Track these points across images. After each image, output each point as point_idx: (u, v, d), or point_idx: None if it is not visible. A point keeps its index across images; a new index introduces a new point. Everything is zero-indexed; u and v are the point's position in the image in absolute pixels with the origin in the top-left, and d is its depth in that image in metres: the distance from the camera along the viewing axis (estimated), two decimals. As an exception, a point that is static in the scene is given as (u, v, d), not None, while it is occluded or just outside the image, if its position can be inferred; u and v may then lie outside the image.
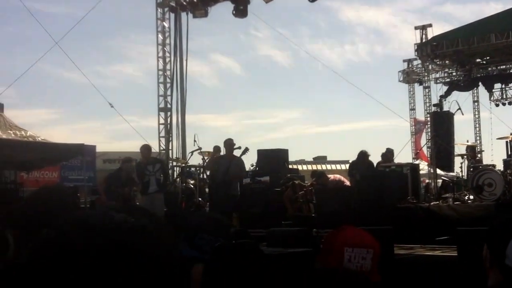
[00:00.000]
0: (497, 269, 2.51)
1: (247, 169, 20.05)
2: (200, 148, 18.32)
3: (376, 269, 3.89)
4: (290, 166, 19.18)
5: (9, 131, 19.12)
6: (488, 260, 2.59)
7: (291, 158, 20.32)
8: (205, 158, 18.54)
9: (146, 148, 16.22)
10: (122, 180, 16.36)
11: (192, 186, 18.19)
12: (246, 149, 15.84)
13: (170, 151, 24.07)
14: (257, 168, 18.59)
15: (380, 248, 3.94)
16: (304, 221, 15.10)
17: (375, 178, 14.64)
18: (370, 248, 3.86)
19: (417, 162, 23.08)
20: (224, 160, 15.48)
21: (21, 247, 2.51)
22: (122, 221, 1.09)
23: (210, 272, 2.70)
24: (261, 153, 19.13)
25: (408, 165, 16.17)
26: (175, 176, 21.56)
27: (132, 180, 16.28)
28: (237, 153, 15.70)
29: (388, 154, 17.19)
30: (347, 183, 16.38)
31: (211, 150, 18.18)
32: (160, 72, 24.98)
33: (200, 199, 17.56)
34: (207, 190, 18.25)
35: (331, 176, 17.08)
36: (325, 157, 45.12)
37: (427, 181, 24.12)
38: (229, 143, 15.63)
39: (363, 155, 16.34)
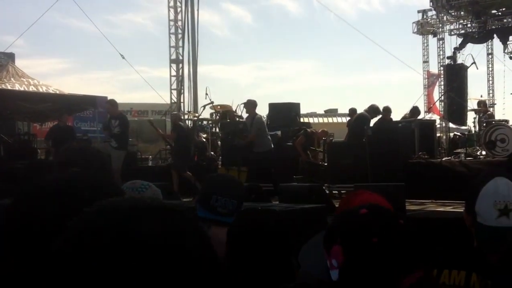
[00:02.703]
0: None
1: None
2: (212, 102, 18.31)
3: None
4: (302, 119, 19.18)
5: (22, 79, 19.21)
6: (466, 221, 2.60)
7: (303, 111, 20.24)
8: (217, 112, 18.54)
9: (109, 103, 15.54)
10: None
11: (204, 140, 18.18)
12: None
13: (182, 104, 24.09)
14: (268, 122, 18.55)
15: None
16: (316, 169, 15.21)
17: (386, 134, 14.57)
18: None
19: (429, 115, 23.02)
20: (248, 121, 15.33)
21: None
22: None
23: (234, 234, 2.79)
24: (273, 107, 19.05)
25: (417, 121, 16.06)
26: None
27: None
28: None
29: (384, 113, 16.89)
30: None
31: (223, 103, 18.23)
32: (172, 23, 24.87)
33: (212, 153, 17.57)
34: (219, 143, 18.25)
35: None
36: (336, 110, 44.93)
37: (438, 135, 24.07)
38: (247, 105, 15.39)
39: (374, 110, 16.08)
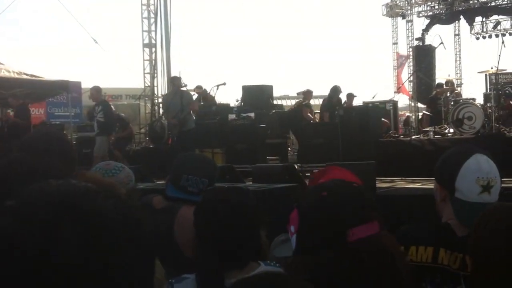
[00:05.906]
0: (449, 204, 2.56)
1: (232, 104, 20.31)
2: (185, 85, 18.45)
3: None
4: (275, 102, 19.41)
5: (-8, 65, 19.03)
6: (439, 195, 2.64)
7: (276, 93, 20.48)
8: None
9: (94, 89, 15.38)
10: None
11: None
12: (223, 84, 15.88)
13: (156, 88, 24.14)
14: (242, 104, 18.75)
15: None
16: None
17: (357, 114, 14.85)
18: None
19: (398, 95, 23.39)
20: (175, 96, 15.33)
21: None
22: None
23: (201, 213, 2.75)
24: (246, 89, 19.25)
25: (391, 102, 16.44)
26: (160, 113, 21.71)
27: None
28: (221, 88, 15.71)
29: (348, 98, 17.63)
30: None
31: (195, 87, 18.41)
32: (144, 7, 24.83)
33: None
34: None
35: None
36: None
37: (407, 114, 24.45)
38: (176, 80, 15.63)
39: (334, 90, 16.67)
